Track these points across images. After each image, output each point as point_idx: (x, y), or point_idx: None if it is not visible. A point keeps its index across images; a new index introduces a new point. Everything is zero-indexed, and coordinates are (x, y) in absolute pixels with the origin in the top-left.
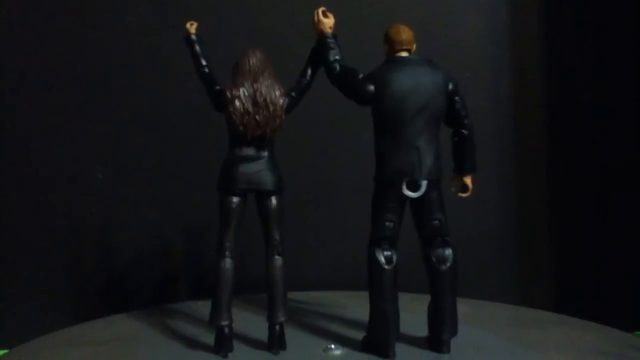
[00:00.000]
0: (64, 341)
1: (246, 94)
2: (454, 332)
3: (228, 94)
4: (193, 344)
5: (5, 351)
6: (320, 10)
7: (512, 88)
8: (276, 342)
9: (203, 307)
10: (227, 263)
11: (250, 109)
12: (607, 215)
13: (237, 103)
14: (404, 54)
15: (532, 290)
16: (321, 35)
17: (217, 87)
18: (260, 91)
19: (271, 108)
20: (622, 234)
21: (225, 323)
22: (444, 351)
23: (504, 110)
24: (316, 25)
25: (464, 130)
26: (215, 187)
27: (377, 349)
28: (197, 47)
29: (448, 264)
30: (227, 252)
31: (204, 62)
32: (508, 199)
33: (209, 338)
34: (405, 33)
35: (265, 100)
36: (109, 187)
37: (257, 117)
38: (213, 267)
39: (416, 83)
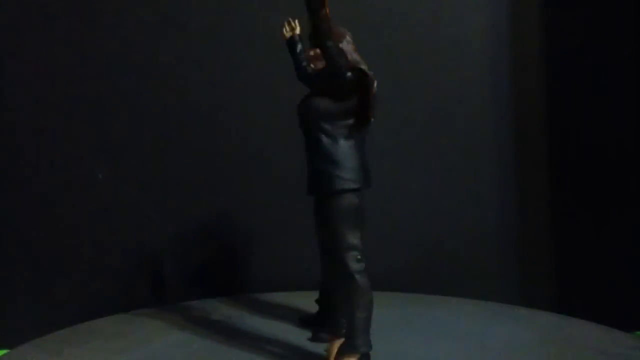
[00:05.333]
0: (64, 341)
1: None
2: None
3: (369, 75)
4: (196, 344)
5: (5, 351)
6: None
7: (512, 87)
8: None
9: (203, 307)
10: (367, 277)
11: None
12: (608, 215)
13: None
14: None
15: (532, 290)
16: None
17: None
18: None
19: None
20: (623, 234)
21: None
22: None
23: (504, 109)
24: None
25: None
26: (342, 185)
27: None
28: None
29: None
30: (364, 264)
31: None
32: (508, 199)
33: (210, 338)
34: None
35: None
36: (109, 187)
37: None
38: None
39: None
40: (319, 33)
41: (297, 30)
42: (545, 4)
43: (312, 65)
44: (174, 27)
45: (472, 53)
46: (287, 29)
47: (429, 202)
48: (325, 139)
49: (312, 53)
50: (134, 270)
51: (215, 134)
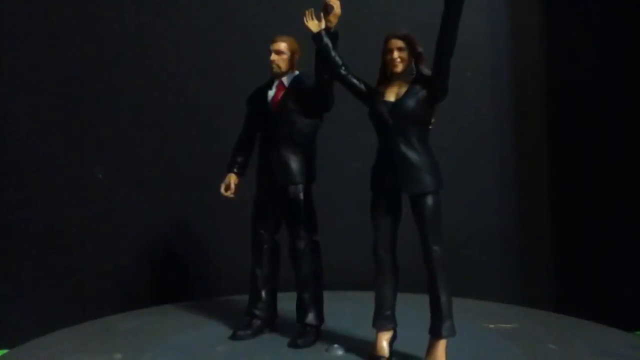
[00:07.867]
0: (64, 341)
1: None
2: None
3: None
4: (197, 343)
5: (5, 351)
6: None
7: (512, 88)
8: None
9: (202, 307)
10: None
11: None
12: (607, 215)
13: None
14: None
15: (532, 290)
16: (331, 29)
17: None
18: None
19: None
20: (622, 234)
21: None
22: None
23: (504, 110)
24: (333, 18)
25: None
26: (439, 185)
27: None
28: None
29: None
30: None
31: None
32: (508, 199)
33: (210, 337)
34: None
35: None
36: (109, 187)
37: None
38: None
39: None
40: (450, 45)
41: (323, 25)
42: (545, 6)
43: (396, 69)
44: (175, 26)
45: (473, 54)
46: (307, 18)
47: None
48: (417, 142)
49: (403, 55)
50: (135, 271)
51: (215, 134)
